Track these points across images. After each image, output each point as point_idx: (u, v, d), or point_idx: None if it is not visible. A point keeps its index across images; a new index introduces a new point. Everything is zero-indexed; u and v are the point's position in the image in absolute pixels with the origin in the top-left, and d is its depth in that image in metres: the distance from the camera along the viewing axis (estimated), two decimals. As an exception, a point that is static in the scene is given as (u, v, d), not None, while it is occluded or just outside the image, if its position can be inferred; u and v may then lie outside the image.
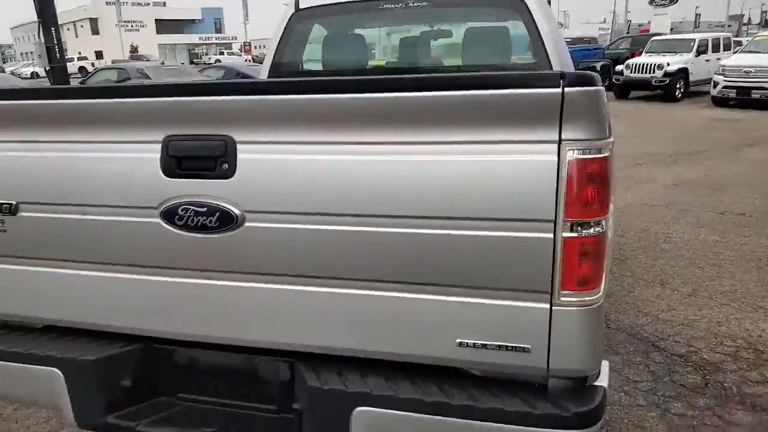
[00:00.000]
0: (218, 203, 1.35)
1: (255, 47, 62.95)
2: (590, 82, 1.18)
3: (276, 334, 1.41)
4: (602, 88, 1.20)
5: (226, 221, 1.35)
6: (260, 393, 1.48)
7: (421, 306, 1.31)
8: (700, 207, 5.66)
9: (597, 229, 1.23)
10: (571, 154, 1.19)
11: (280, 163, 1.33)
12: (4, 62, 74.31)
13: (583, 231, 1.22)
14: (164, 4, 70.27)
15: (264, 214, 1.34)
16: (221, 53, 60.75)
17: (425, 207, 1.25)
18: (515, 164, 1.21)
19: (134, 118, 1.41)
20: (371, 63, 3.51)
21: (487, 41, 3.28)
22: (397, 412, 1.29)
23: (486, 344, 1.28)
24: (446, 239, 1.25)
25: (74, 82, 17.80)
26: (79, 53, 61.88)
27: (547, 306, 1.25)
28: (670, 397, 2.54)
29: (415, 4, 3.17)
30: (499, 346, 1.28)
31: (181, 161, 1.37)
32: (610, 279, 3.86)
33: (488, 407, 1.24)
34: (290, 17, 3.40)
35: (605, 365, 1.37)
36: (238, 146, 1.34)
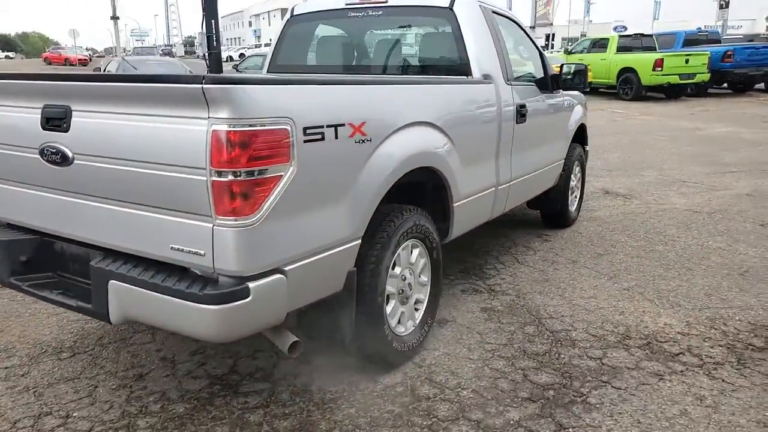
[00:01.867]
0: (62, 148, 2.18)
1: None
2: (223, 81, 1.80)
3: (89, 232, 2.23)
4: (234, 86, 1.81)
5: (66, 159, 2.18)
6: (83, 271, 2.30)
7: (149, 220, 2.03)
8: (745, 217, 5.46)
9: (242, 177, 1.85)
10: (216, 126, 1.82)
11: (92, 124, 2.12)
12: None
13: (228, 177, 1.84)
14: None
15: (83, 156, 2.15)
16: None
17: (138, 153, 1.98)
18: (186, 131, 1.87)
19: (27, 93, 2.29)
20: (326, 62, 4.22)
21: (423, 46, 3.85)
22: (128, 285, 2.03)
23: (182, 249, 1.97)
24: (148, 176, 1.96)
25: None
26: (270, 40, 67.98)
27: (210, 225, 1.89)
28: (501, 357, 2.93)
29: (372, 14, 3.78)
30: (190, 251, 1.95)
31: (48, 120, 2.22)
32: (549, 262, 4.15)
33: (166, 286, 1.94)
34: (285, 22, 4.20)
35: (278, 279, 1.98)
36: (73, 113, 2.15)
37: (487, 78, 3.45)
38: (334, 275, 2.34)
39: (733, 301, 3.61)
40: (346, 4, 3.86)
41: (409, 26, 3.90)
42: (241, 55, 44.14)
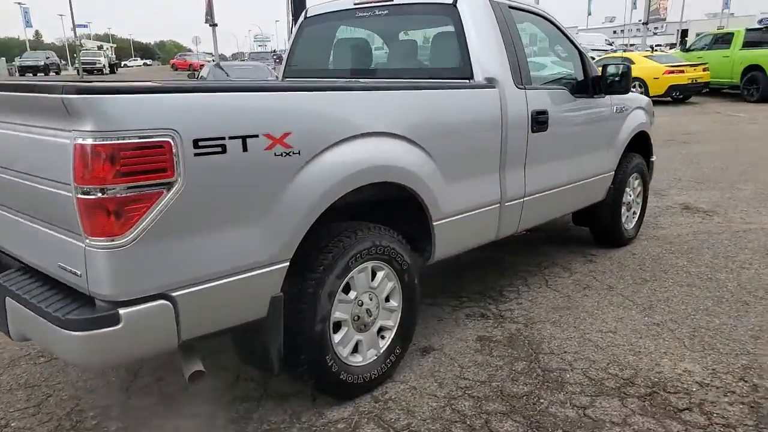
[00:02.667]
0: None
1: None
2: (87, 90, 1.66)
3: (6, 242, 2.21)
4: (99, 96, 1.67)
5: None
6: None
7: (43, 235, 1.96)
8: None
9: (111, 194, 1.71)
10: (79, 140, 1.69)
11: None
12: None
13: (96, 194, 1.71)
14: None
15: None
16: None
17: (20, 164, 1.93)
18: (53, 144, 1.78)
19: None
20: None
21: (425, 46, 3.54)
22: (16, 303, 1.97)
23: (66, 267, 1.87)
24: (32, 188, 1.89)
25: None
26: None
27: (83, 245, 1.78)
28: (471, 396, 2.59)
29: (379, 14, 3.55)
30: (71, 271, 1.85)
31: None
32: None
33: (39, 307, 1.85)
34: (299, 24, 4.07)
35: (160, 306, 1.83)
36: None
37: (490, 82, 3.10)
38: (251, 301, 2.15)
39: (786, 348, 2.99)
40: (354, 4, 3.65)
41: (414, 26, 3.62)
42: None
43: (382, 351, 2.68)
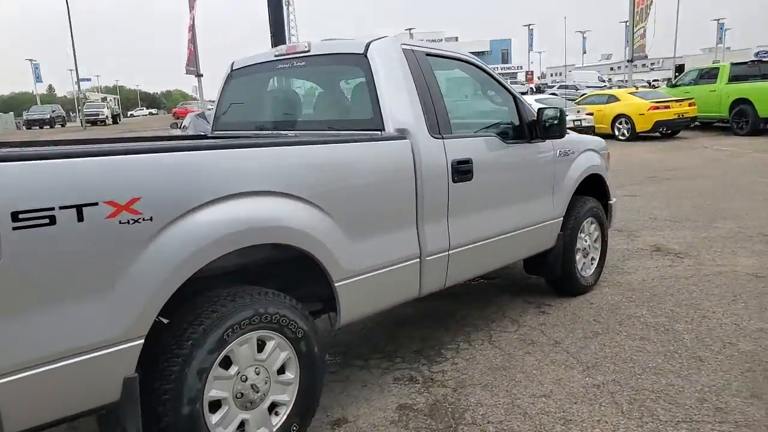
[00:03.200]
0: None
1: (541, 76, 63.15)
2: None
3: None
4: None
5: None
6: None
7: None
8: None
9: None
10: None
11: None
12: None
13: None
14: (456, 39, 75.39)
15: None
16: (506, 83, 62.54)
17: None
18: None
19: None
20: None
21: (337, 98, 3.41)
22: None
23: None
24: None
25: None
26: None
27: None
28: None
29: (297, 65, 3.43)
30: None
31: None
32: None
33: None
34: (226, 78, 3.96)
35: None
36: None
37: (401, 133, 2.94)
38: (99, 384, 1.94)
39: (732, 412, 2.72)
40: (275, 56, 3.53)
41: (330, 77, 3.49)
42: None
43: (276, 429, 2.44)
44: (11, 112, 52.87)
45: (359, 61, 3.07)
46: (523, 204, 3.72)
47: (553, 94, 27.16)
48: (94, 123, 44.42)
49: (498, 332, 3.82)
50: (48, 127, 43.08)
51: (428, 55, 3.26)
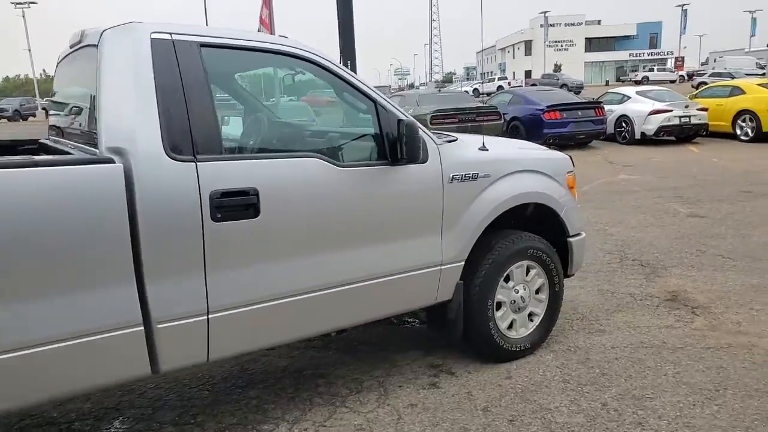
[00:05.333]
0: None
1: (704, 63, 57.19)
2: None
3: None
4: None
5: None
6: None
7: None
8: None
9: None
10: None
11: None
12: (467, 79, 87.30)
13: None
14: (599, 23, 70.19)
15: None
16: (650, 70, 57.42)
17: None
18: None
19: None
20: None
21: (74, 106, 2.62)
22: None
23: None
24: None
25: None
26: (513, 73, 67.68)
27: None
28: None
29: (74, 58, 2.74)
30: None
31: None
32: None
33: None
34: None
35: None
36: None
37: (115, 153, 2.15)
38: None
39: None
40: (70, 46, 2.86)
41: (77, 75, 2.73)
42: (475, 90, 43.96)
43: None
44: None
45: (92, 55, 2.32)
46: (372, 247, 2.75)
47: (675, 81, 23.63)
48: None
49: (347, 408, 2.91)
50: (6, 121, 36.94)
51: (206, 46, 2.41)
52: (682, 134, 13.63)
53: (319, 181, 2.56)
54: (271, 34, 15.87)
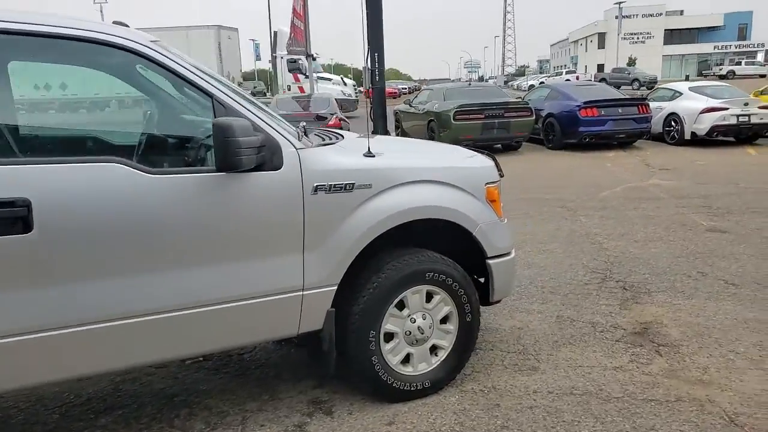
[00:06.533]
0: None
1: None
2: None
3: None
4: None
5: None
6: None
7: None
8: None
9: None
10: None
11: None
12: (540, 72, 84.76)
13: None
14: (681, 13, 66.11)
15: None
16: (737, 63, 53.57)
17: None
18: None
19: None
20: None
21: None
22: None
23: None
24: None
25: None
26: (585, 67, 64.92)
27: None
28: None
29: None
30: None
31: None
32: None
33: None
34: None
35: None
36: None
37: None
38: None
39: None
40: None
41: None
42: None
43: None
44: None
45: None
46: (201, 268, 2.35)
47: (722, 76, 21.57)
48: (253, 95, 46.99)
49: (182, 452, 2.55)
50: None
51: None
52: (741, 135, 12.37)
53: (121, 190, 2.18)
54: (305, 24, 15.54)
